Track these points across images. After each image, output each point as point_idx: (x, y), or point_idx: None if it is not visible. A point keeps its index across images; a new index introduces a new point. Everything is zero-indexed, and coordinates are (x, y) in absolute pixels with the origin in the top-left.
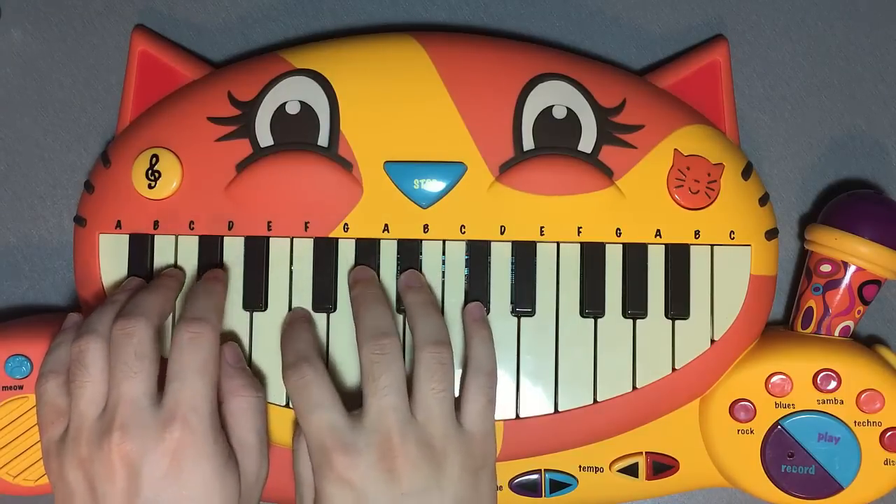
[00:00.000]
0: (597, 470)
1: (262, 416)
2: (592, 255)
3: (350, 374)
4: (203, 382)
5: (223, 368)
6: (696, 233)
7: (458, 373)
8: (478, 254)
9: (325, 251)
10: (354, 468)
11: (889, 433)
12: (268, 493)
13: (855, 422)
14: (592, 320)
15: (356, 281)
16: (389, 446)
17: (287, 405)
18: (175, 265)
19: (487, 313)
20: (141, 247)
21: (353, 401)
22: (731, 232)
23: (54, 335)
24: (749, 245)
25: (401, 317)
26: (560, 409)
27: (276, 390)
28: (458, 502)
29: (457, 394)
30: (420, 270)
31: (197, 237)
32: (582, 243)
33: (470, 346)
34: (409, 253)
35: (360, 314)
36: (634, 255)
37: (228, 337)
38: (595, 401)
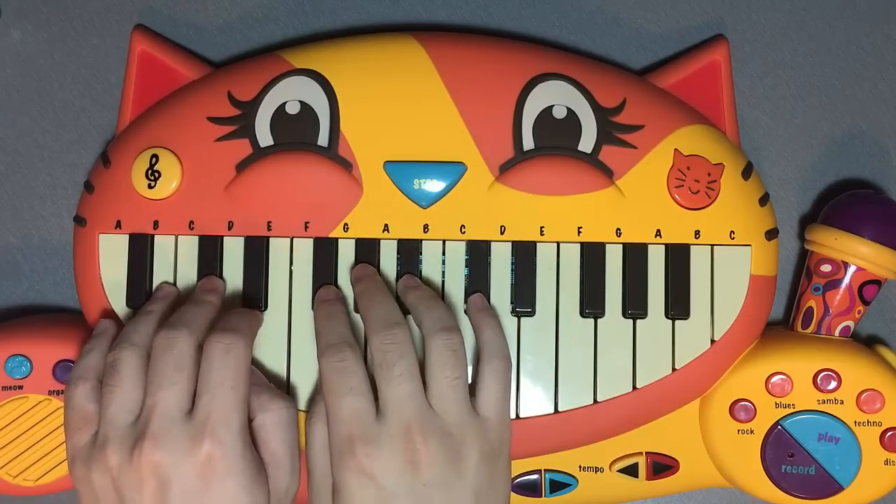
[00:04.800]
0: (597, 470)
1: (293, 429)
2: (592, 255)
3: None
4: (234, 396)
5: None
6: (696, 233)
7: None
8: (478, 254)
9: (325, 251)
10: (377, 460)
11: (889, 433)
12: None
13: (855, 422)
14: (592, 320)
15: (358, 278)
16: (410, 438)
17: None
18: (175, 265)
19: None
20: (141, 247)
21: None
22: (732, 232)
23: (54, 335)
24: (749, 245)
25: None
26: (560, 409)
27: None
28: (477, 490)
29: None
30: (420, 270)
31: (197, 237)
32: (582, 243)
33: (480, 334)
34: (409, 253)
35: (367, 308)
36: (634, 255)
37: None
38: (595, 401)
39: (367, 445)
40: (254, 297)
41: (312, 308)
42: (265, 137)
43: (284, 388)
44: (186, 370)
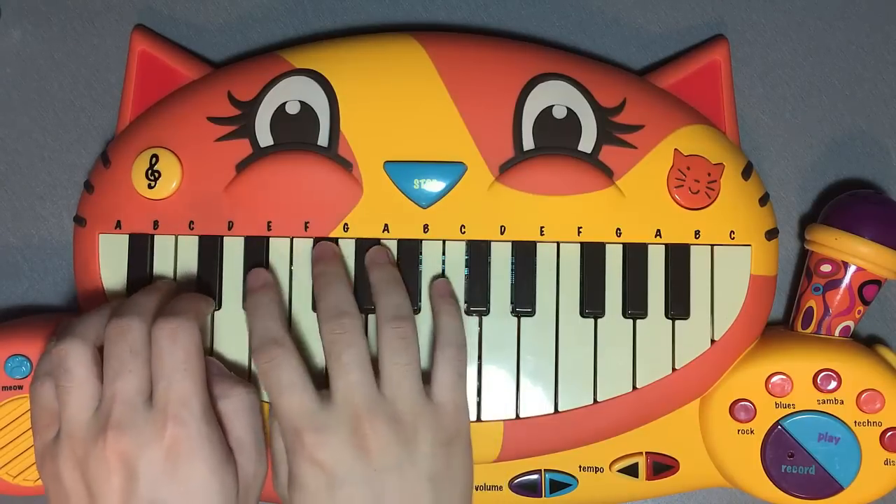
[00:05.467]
0: (597, 470)
1: (255, 414)
2: (592, 255)
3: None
4: (189, 379)
5: (208, 377)
6: (696, 233)
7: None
8: (478, 254)
9: None
10: (325, 447)
11: (889, 433)
12: (264, 495)
13: (855, 422)
14: (592, 320)
15: (317, 259)
16: (359, 424)
17: None
18: (175, 265)
19: (487, 313)
20: (141, 247)
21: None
22: (732, 232)
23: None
24: (749, 245)
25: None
26: (560, 409)
27: None
28: (431, 476)
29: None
30: (420, 270)
31: (197, 237)
32: (582, 243)
33: (437, 321)
34: (409, 253)
35: (321, 294)
36: (634, 255)
37: (229, 337)
38: (595, 401)
39: (314, 434)
40: None
41: (313, 308)
42: (265, 137)
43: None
44: (141, 356)
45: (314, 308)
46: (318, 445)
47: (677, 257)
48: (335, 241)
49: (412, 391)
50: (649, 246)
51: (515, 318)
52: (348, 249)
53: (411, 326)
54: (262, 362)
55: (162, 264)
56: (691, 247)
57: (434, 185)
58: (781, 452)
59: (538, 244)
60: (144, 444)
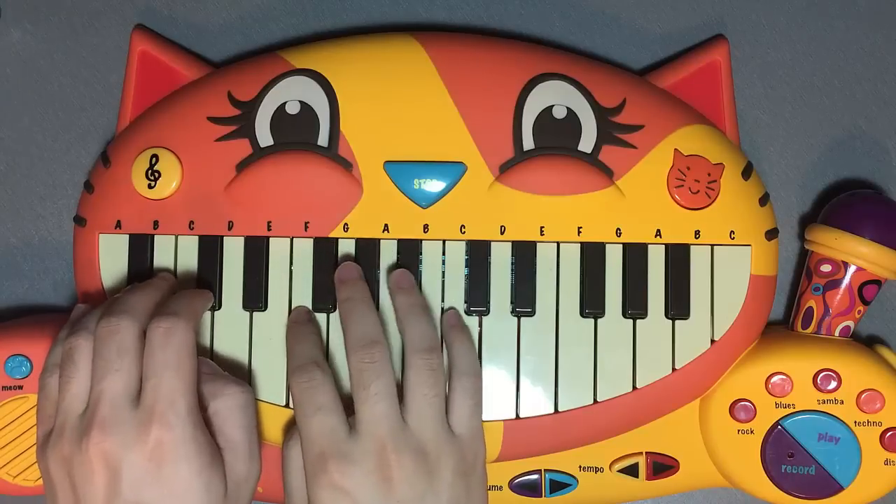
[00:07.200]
0: (597, 470)
1: (249, 413)
2: (592, 255)
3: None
4: (179, 378)
5: (201, 377)
6: (696, 233)
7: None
8: (478, 254)
9: (325, 251)
10: (349, 476)
11: (889, 433)
12: (265, 495)
13: (855, 422)
14: (592, 320)
15: (341, 281)
16: (384, 455)
17: (286, 405)
18: (175, 265)
19: (487, 313)
20: (141, 247)
21: (349, 403)
22: (731, 232)
23: (54, 335)
24: (749, 245)
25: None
26: (560, 409)
27: (275, 389)
28: None
29: None
30: (420, 270)
31: (197, 237)
32: (582, 243)
33: (451, 351)
34: (409, 253)
35: (347, 322)
36: (634, 255)
37: (229, 337)
38: (595, 401)
39: (339, 462)
40: (254, 297)
41: (312, 309)
42: (265, 137)
43: (285, 388)
44: (129, 355)
45: (314, 308)
46: (342, 474)
47: (677, 257)
48: (335, 241)
49: (436, 422)
50: (649, 246)
51: (515, 319)
52: (348, 249)
53: (440, 357)
54: (301, 381)
55: (162, 264)
56: (691, 247)
57: (434, 185)
58: (781, 452)
59: (538, 244)
60: (128, 445)
